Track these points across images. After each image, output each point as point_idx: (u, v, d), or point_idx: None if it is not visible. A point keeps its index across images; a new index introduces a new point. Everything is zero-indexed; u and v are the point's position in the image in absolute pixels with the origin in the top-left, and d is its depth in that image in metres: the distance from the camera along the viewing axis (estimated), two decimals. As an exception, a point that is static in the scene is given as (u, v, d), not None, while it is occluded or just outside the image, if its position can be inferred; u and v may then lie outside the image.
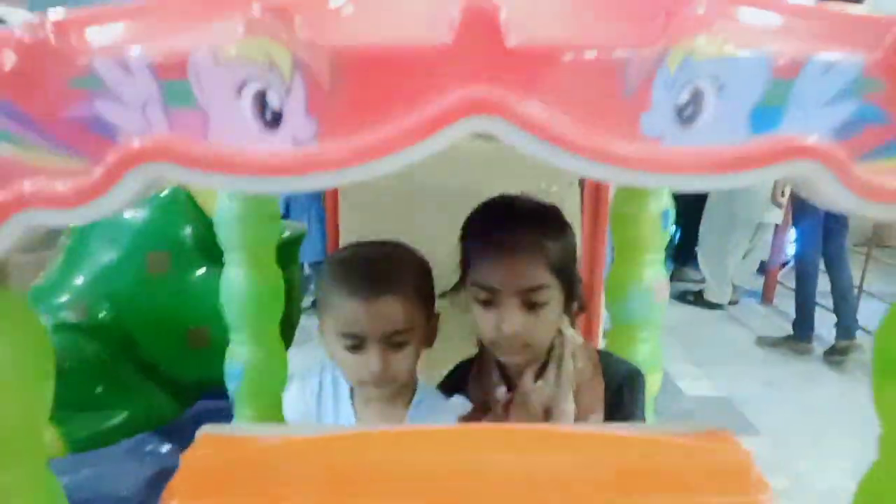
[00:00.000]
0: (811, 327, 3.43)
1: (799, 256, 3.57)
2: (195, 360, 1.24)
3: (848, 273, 3.32)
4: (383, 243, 0.92)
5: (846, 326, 3.29)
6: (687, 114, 0.31)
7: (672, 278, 4.59)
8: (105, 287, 1.26)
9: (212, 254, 1.18)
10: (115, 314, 1.24)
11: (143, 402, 1.17)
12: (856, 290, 3.49)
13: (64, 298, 1.26)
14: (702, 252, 4.28)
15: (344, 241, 1.18)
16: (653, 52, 0.30)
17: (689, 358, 3.39)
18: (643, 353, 1.16)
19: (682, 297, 4.31)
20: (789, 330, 3.55)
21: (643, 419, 1.01)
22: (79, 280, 1.24)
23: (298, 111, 0.30)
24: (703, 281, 4.31)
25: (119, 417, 1.05)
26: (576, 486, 0.48)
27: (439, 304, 0.94)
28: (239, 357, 0.99)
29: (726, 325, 3.98)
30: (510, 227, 0.86)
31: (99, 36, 0.31)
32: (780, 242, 4.12)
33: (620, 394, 0.96)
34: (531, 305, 0.85)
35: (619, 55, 0.31)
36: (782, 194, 3.50)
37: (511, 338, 0.85)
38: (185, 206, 1.32)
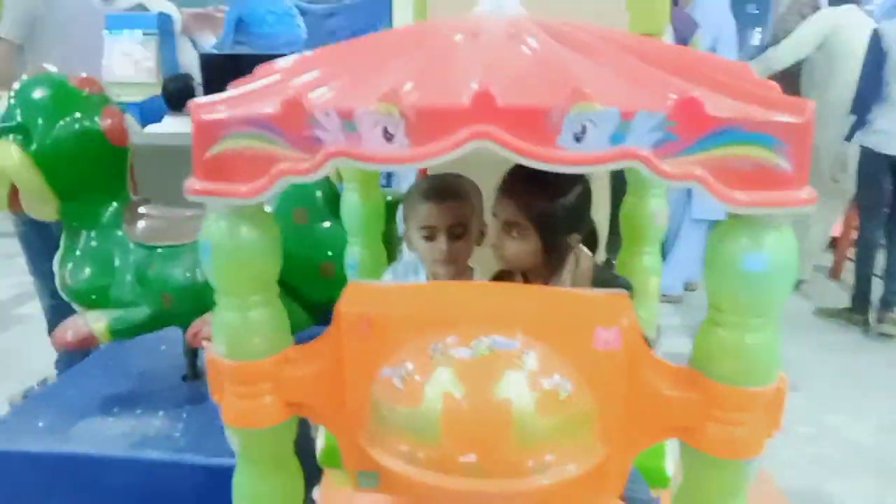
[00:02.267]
0: (867, 300, 3.51)
1: (861, 232, 3.63)
2: (324, 285, 1.66)
3: (903, 250, 3.39)
4: (454, 175, 1.25)
5: (890, 300, 3.37)
6: (579, 136, 0.63)
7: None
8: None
9: (336, 210, 1.58)
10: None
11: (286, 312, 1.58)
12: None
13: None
14: None
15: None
16: (564, 107, 0.62)
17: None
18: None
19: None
20: (849, 303, 3.64)
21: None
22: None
23: (401, 134, 0.64)
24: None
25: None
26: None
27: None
28: (354, 255, 1.41)
29: (792, 297, 4.04)
30: (518, 176, 1.12)
31: (315, 97, 0.67)
32: (849, 220, 4.13)
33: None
34: (508, 235, 1.10)
35: (549, 106, 0.63)
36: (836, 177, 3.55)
37: (503, 256, 1.14)
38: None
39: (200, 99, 0.71)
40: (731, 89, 0.67)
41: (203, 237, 0.77)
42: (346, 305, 0.78)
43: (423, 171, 1.56)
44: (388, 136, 0.65)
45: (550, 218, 1.06)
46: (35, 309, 2.88)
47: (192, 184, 0.72)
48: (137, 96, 4.20)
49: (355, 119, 0.65)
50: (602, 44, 0.74)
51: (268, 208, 0.80)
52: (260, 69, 0.79)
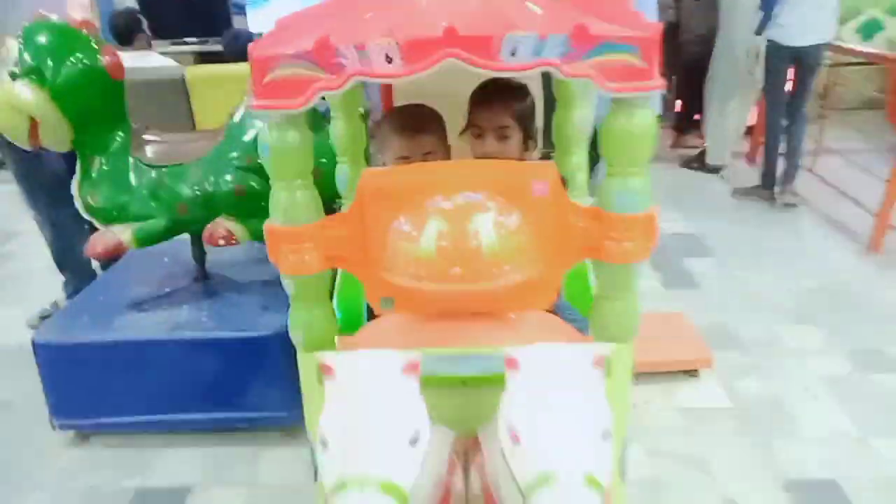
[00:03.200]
0: (773, 177, 4.00)
1: (767, 117, 4.07)
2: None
3: (802, 131, 3.85)
4: (416, 105, 1.56)
5: (791, 174, 3.87)
6: (513, 52, 0.97)
7: (673, 146, 5.12)
8: (254, 148, 2.01)
9: (317, 128, 1.89)
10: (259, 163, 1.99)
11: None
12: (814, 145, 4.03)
13: (236, 154, 2.02)
14: (707, 117, 4.66)
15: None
16: (502, 34, 0.96)
17: (673, 208, 4.01)
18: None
19: (686, 163, 4.82)
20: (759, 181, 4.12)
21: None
22: (244, 142, 1.99)
23: (397, 58, 0.96)
24: (702, 147, 4.74)
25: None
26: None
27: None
28: (342, 170, 1.73)
29: (712, 181, 4.53)
30: (494, 93, 1.51)
31: (337, 36, 0.98)
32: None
33: None
34: (501, 137, 1.52)
35: (492, 34, 0.97)
36: (753, 67, 3.93)
37: (489, 156, 1.50)
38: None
39: (258, 41, 1.02)
40: (610, 17, 1.01)
41: (262, 140, 1.09)
42: (366, 183, 1.13)
43: (388, 104, 1.86)
44: (389, 60, 0.98)
45: (527, 116, 1.42)
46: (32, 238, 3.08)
47: (254, 102, 1.03)
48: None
49: (367, 49, 0.97)
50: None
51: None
52: (286, 18, 1.08)
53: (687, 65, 4.90)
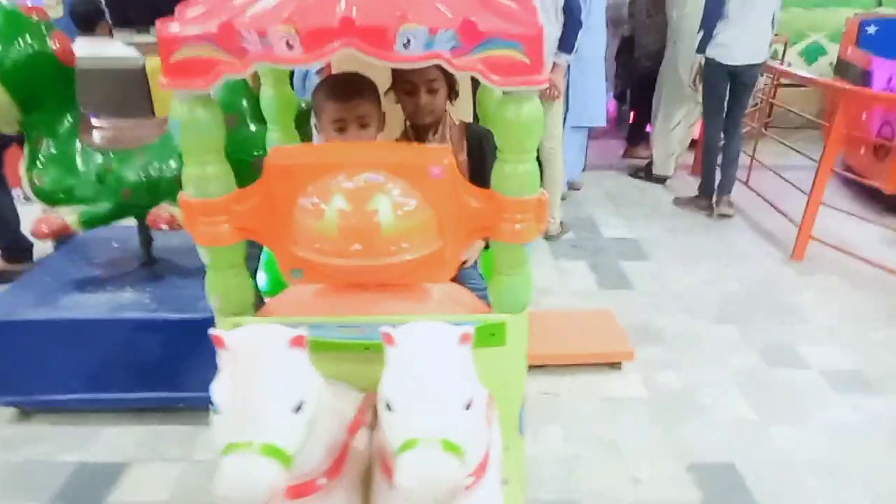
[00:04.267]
0: (711, 188, 4.12)
1: (705, 131, 4.20)
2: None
3: (737, 145, 3.98)
4: (351, 73, 1.54)
5: (726, 186, 4.00)
6: (406, 45, 1.02)
7: (625, 156, 5.24)
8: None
9: (260, 116, 1.91)
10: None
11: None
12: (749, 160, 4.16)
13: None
14: (654, 130, 4.76)
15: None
16: (396, 27, 1.01)
17: (617, 214, 4.13)
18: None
19: (634, 173, 4.94)
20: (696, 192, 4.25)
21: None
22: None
23: (297, 44, 1.01)
24: (650, 158, 4.83)
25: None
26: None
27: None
28: (273, 139, 1.70)
29: (657, 191, 4.64)
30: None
31: (240, 20, 1.02)
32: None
33: (480, 144, 1.63)
34: (431, 91, 1.55)
35: (387, 26, 1.02)
36: (694, 82, 4.05)
37: (421, 108, 1.55)
38: (243, 87, 2.06)
39: (164, 20, 1.06)
40: (502, 13, 1.07)
41: (172, 116, 1.12)
42: (273, 160, 1.17)
43: (329, 71, 1.89)
44: (290, 46, 1.02)
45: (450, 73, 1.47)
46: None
47: (162, 80, 1.07)
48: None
49: (268, 35, 1.02)
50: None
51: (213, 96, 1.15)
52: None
53: (639, 79, 5.02)
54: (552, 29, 3.17)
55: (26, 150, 2.08)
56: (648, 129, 5.15)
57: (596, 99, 4.10)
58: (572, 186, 4.53)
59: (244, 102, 2.10)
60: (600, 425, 2.21)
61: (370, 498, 1.15)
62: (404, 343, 0.96)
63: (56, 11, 4.11)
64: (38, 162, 2.06)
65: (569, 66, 3.44)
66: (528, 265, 1.26)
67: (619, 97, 5.86)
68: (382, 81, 1.58)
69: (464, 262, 1.60)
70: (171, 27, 1.04)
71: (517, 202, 1.17)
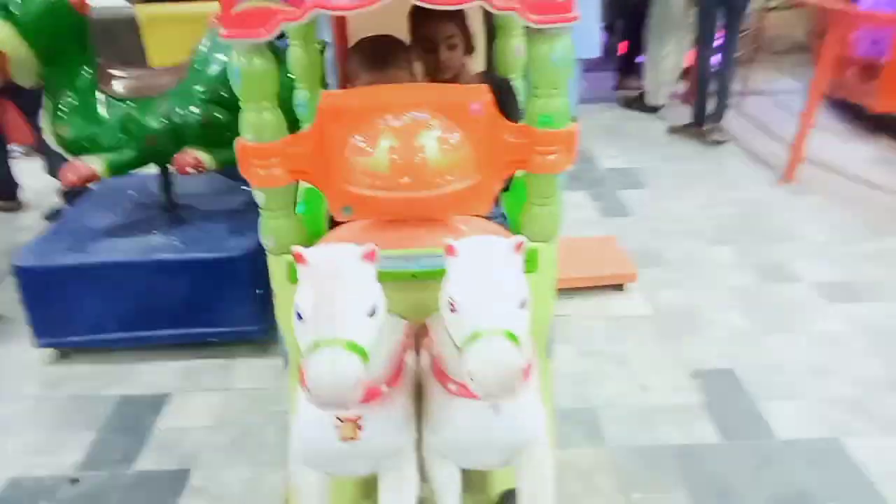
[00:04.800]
0: (703, 115, 4.23)
1: (698, 58, 4.28)
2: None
3: (730, 71, 4.08)
4: (383, 36, 1.62)
5: (719, 113, 4.12)
6: None
7: (617, 88, 5.30)
8: (219, 81, 2.12)
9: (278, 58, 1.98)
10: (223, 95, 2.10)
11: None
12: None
13: (201, 87, 2.12)
14: (646, 60, 4.83)
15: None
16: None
17: (613, 145, 4.24)
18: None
19: (627, 104, 5.01)
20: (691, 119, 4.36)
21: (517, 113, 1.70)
22: (208, 75, 2.10)
23: None
24: (642, 88, 4.90)
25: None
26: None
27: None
28: (301, 95, 1.82)
29: (650, 121, 4.74)
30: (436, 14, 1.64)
31: None
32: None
33: (499, 90, 1.67)
34: (450, 47, 1.68)
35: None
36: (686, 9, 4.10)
37: (442, 63, 1.67)
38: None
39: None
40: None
41: (232, 65, 1.21)
42: (325, 104, 1.28)
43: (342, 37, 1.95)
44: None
45: (465, 24, 1.60)
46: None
47: (223, 31, 1.16)
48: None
49: (324, -10, 1.11)
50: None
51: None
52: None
53: (631, 9, 5.03)
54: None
55: (47, 102, 2.14)
56: (639, 59, 5.21)
57: (589, 29, 4.13)
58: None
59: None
60: (608, 342, 2.40)
61: (424, 408, 1.31)
62: (465, 252, 1.09)
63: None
64: (60, 113, 2.13)
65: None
66: (558, 195, 1.39)
67: (610, 28, 5.86)
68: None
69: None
70: (233, -20, 1.13)
71: (549, 134, 1.29)
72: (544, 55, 1.22)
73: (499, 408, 1.17)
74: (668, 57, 4.69)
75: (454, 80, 1.75)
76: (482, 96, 1.28)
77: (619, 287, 2.68)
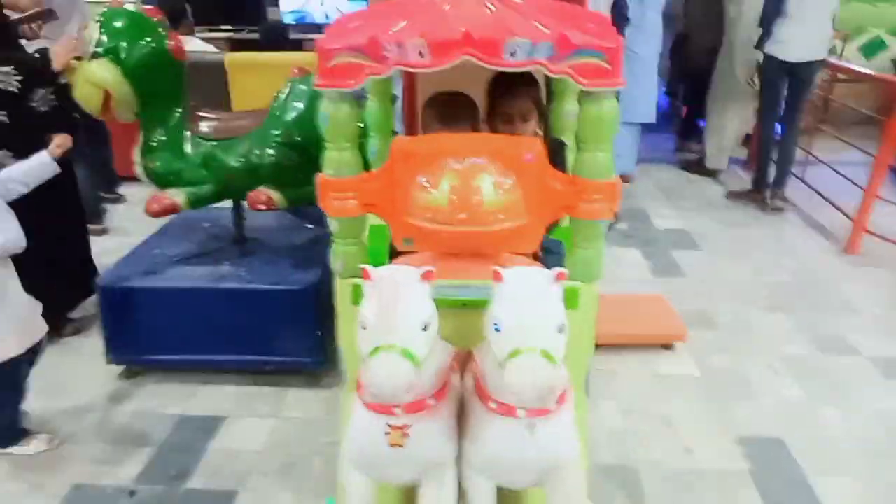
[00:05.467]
0: (764, 182, 4.36)
1: (761, 126, 4.43)
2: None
3: (793, 140, 4.21)
4: (455, 93, 1.88)
5: (781, 180, 4.24)
6: (513, 54, 1.34)
7: (676, 150, 5.50)
8: (294, 126, 2.41)
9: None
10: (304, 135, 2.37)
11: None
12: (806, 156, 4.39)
13: (278, 131, 2.41)
14: (708, 124, 5.03)
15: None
16: (504, 39, 1.33)
17: (670, 206, 4.41)
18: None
19: (685, 166, 5.20)
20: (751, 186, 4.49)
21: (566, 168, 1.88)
22: (286, 121, 2.40)
23: (427, 53, 1.34)
24: (702, 152, 5.09)
25: (310, 188, 1.72)
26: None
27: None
28: (373, 144, 2.07)
29: (708, 184, 4.89)
30: (515, 84, 1.87)
31: (384, 35, 1.36)
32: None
33: (554, 148, 1.89)
34: (524, 120, 1.89)
35: (497, 39, 1.35)
36: (752, 79, 4.30)
37: (517, 134, 1.86)
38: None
39: (323, 36, 1.41)
40: (588, 29, 1.40)
41: (322, 111, 1.47)
42: (397, 147, 1.52)
43: (411, 91, 2.21)
44: (421, 55, 1.36)
45: (541, 100, 1.79)
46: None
47: (319, 81, 1.42)
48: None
49: (405, 46, 1.36)
50: (529, 6, 1.45)
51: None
52: (345, 17, 1.47)
53: (693, 74, 5.27)
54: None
55: (141, 137, 2.47)
56: (700, 123, 5.41)
57: (647, 96, 4.38)
58: (625, 179, 4.80)
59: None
60: (653, 401, 2.49)
61: (464, 426, 1.48)
62: (510, 279, 1.28)
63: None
64: (151, 148, 2.45)
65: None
66: (601, 240, 1.57)
67: (672, 92, 6.11)
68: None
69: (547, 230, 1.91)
70: (328, 41, 1.40)
71: (594, 184, 1.49)
72: (592, 114, 1.44)
73: (534, 428, 1.32)
74: (731, 123, 4.87)
75: None
76: (534, 148, 1.50)
77: (667, 347, 2.79)
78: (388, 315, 1.23)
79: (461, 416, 1.49)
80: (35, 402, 2.34)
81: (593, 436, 2.26)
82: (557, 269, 1.29)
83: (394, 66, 1.38)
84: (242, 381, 2.58)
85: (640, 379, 2.63)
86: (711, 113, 4.96)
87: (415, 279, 1.28)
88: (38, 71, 2.57)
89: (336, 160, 1.51)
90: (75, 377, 2.64)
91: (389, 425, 1.36)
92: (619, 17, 3.53)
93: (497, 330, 1.24)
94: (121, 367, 2.64)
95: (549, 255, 1.78)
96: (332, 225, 1.59)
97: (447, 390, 1.43)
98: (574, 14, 1.49)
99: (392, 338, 1.21)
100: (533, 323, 1.22)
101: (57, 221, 2.71)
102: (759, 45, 4.15)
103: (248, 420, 2.42)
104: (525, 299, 1.25)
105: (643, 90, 4.30)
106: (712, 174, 4.96)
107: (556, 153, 1.95)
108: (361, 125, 2.05)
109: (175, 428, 2.39)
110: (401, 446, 1.35)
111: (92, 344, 2.63)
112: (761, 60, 4.27)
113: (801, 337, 2.90)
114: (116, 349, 2.54)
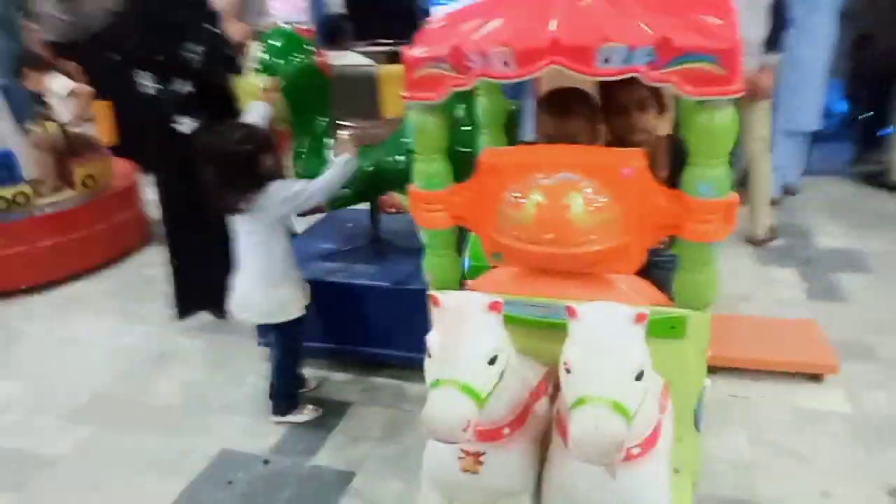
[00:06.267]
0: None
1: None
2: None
3: None
4: (568, 88, 1.65)
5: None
6: (607, 60, 1.12)
7: (857, 161, 4.68)
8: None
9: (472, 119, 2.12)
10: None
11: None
12: None
13: (409, 139, 2.34)
14: (892, 132, 4.26)
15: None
16: (596, 45, 1.12)
17: (837, 222, 3.75)
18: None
19: (864, 179, 4.42)
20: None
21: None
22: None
23: (512, 62, 1.17)
24: (886, 164, 4.30)
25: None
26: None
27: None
28: (483, 142, 1.90)
29: (890, 201, 4.10)
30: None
31: (467, 43, 1.21)
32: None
33: (681, 154, 1.65)
34: (641, 108, 1.65)
35: (589, 45, 1.13)
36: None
37: (633, 126, 1.65)
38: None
39: (411, 49, 1.29)
40: (696, 27, 1.13)
41: (409, 121, 1.36)
42: (484, 160, 1.36)
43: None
44: (506, 64, 1.19)
45: (660, 91, 1.57)
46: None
47: (405, 94, 1.31)
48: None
49: (489, 55, 1.19)
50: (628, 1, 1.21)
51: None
52: (433, 21, 1.34)
53: (875, 78, 4.45)
54: (759, 30, 2.99)
55: (293, 144, 2.53)
56: (884, 132, 4.55)
57: (811, 102, 3.76)
58: (788, 191, 4.19)
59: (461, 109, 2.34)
60: (791, 435, 2.10)
61: (547, 457, 1.30)
62: (586, 316, 1.08)
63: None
64: (299, 153, 2.50)
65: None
66: (713, 264, 1.30)
67: (853, 98, 5.21)
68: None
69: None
70: (414, 51, 1.27)
71: (706, 203, 1.22)
72: (703, 125, 1.17)
73: (614, 472, 1.11)
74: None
75: (644, 142, 1.69)
76: (634, 161, 1.26)
77: (816, 378, 2.34)
78: (451, 346, 1.10)
79: (545, 443, 1.31)
80: (201, 370, 2.48)
81: (714, 466, 1.97)
82: (639, 308, 1.06)
83: (478, 76, 1.23)
84: (368, 371, 2.57)
85: (778, 410, 2.23)
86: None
87: (482, 309, 1.13)
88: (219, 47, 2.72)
89: (424, 171, 1.39)
90: (235, 354, 2.80)
91: (463, 450, 1.22)
92: (779, 18, 3.01)
93: (568, 372, 1.05)
94: (265, 349, 2.74)
95: (656, 269, 1.50)
96: (423, 236, 1.47)
97: (526, 419, 1.26)
98: (691, 2, 1.21)
99: (454, 371, 1.07)
100: (605, 368, 1.01)
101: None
102: None
103: (371, 408, 2.40)
104: (600, 340, 1.04)
105: (806, 97, 3.71)
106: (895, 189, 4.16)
107: (683, 158, 1.67)
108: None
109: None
110: (475, 472, 1.22)
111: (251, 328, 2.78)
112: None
113: None
114: (262, 333, 2.64)
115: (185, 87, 2.66)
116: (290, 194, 2.09)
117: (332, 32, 4.12)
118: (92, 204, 3.76)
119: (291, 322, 2.23)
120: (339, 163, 2.19)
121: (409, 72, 1.28)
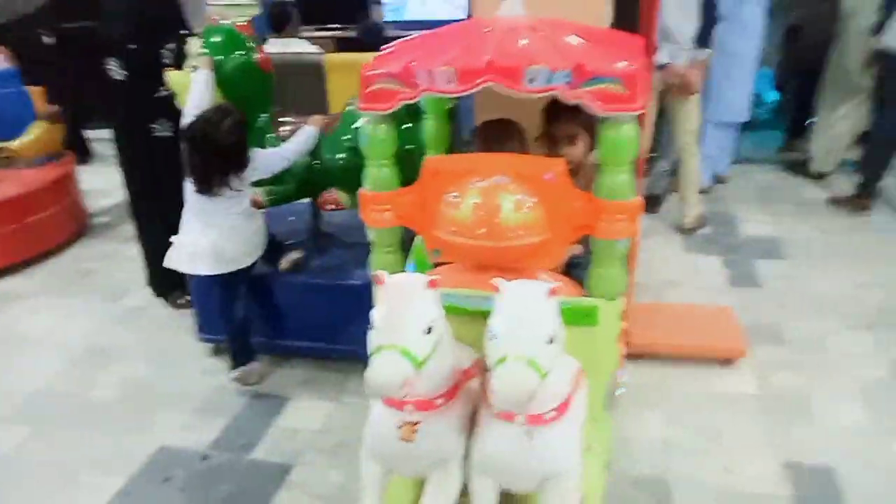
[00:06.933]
0: (873, 189, 4.10)
1: (876, 126, 4.17)
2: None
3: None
4: (502, 120, 2.04)
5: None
6: (532, 81, 1.43)
7: (784, 149, 5.22)
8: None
9: (420, 116, 2.39)
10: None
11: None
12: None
13: (348, 136, 2.61)
14: (816, 123, 4.76)
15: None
16: (524, 67, 1.43)
17: (763, 210, 4.23)
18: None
19: (791, 166, 4.94)
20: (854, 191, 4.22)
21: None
22: (355, 127, 2.57)
23: (455, 80, 1.46)
24: (809, 153, 4.79)
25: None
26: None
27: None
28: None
29: (812, 188, 4.63)
30: (563, 109, 1.94)
31: (415, 63, 1.49)
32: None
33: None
34: (571, 143, 2.00)
35: (518, 67, 1.44)
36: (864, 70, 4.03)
37: (562, 157, 1.93)
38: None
39: (369, 65, 1.56)
40: (608, 54, 1.46)
41: (362, 131, 1.64)
42: (427, 165, 1.65)
43: None
44: (449, 81, 1.48)
45: (593, 125, 1.83)
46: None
47: (360, 104, 1.58)
48: (240, 18, 5.06)
49: (434, 74, 1.48)
50: (555, 32, 1.53)
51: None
52: (388, 47, 1.63)
53: (803, 69, 4.97)
54: (690, 25, 3.41)
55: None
56: (812, 122, 5.09)
57: (740, 94, 4.23)
58: (719, 180, 4.66)
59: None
60: (702, 415, 2.45)
61: (474, 428, 1.58)
62: (508, 291, 1.37)
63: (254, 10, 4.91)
64: (238, 149, 2.71)
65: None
66: (621, 259, 1.64)
67: (783, 88, 5.79)
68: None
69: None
70: (370, 69, 1.55)
71: (614, 205, 1.55)
72: (611, 138, 1.51)
73: (532, 434, 1.42)
74: (841, 122, 4.56)
75: (574, 171, 1.95)
76: (556, 168, 1.58)
77: (728, 362, 2.74)
78: (393, 317, 1.36)
79: (474, 419, 1.61)
80: (141, 365, 2.65)
81: (631, 446, 2.30)
82: (551, 284, 1.37)
83: (424, 91, 1.51)
84: (307, 366, 2.83)
85: (691, 392, 2.59)
86: (820, 110, 4.68)
87: (421, 286, 1.40)
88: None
89: (375, 176, 1.67)
90: (176, 349, 3.01)
91: (403, 421, 1.50)
92: (709, 14, 3.44)
93: (491, 339, 1.34)
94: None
95: (575, 269, 1.85)
96: (371, 235, 1.75)
97: (458, 391, 1.55)
98: (609, 40, 1.56)
99: (394, 338, 1.33)
100: (522, 333, 1.31)
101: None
102: (877, 34, 3.89)
103: (311, 402, 2.65)
104: (518, 310, 1.34)
105: (737, 89, 4.17)
106: (819, 177, 4.70)
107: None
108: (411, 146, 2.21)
109: (249, 403, 2.66)
110: (411, 441, 1.49)
111: (187, 323, 2.97)
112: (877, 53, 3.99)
113: (880, 360, 2.75)
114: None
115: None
116: (270, 162, 2.51)
117: (278, 18, 4.30)
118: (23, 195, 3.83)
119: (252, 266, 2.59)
120: (308, 132, 2.56)
121: (366, 85, 1.56)
